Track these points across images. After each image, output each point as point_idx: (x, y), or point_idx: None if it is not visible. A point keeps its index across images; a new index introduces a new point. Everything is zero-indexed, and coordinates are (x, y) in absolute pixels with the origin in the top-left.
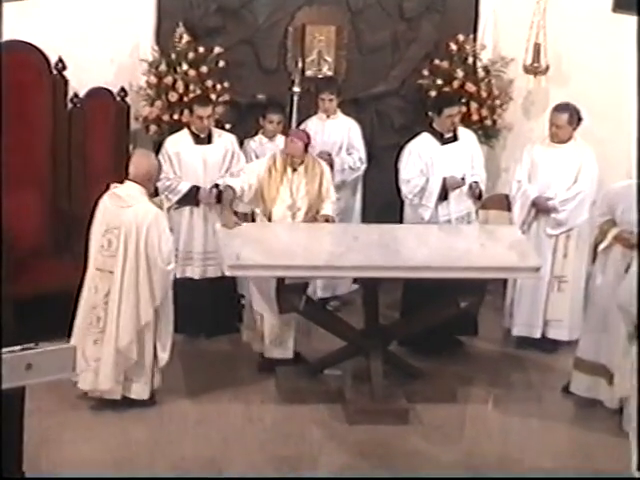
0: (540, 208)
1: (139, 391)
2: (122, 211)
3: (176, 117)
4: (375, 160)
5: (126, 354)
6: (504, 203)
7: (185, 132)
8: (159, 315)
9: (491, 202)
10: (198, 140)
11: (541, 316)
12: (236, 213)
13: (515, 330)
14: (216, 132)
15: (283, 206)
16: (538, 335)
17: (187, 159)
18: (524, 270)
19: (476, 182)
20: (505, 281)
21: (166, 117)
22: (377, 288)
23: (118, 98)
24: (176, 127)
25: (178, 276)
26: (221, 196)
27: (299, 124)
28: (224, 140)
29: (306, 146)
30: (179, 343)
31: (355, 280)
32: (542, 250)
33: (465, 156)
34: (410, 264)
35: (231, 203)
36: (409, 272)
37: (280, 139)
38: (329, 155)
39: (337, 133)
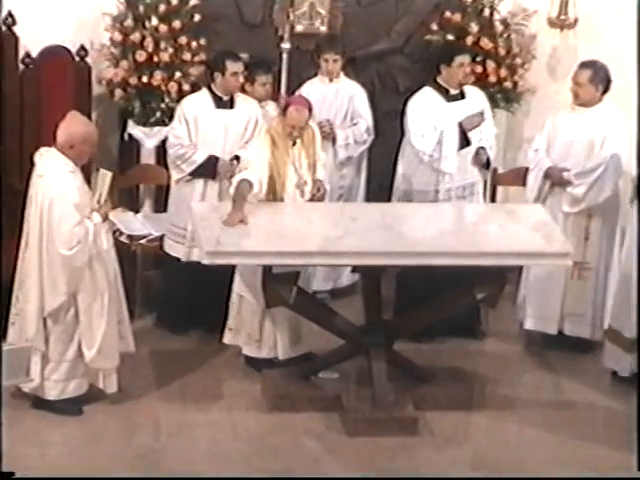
0: (554, 180)
1: (49, 391)
2: (36, 181)
3: (145, 80)
4: (377, 129)
5: (35, 346)
6: (522, 177)
7: (205, 93)
8: (81, 305)
9: (511, 177)
10: (220, 103)
11: (558, 309)
12: None
13: (527, 323)
14: (240, 96)
15: (292, 186)
16: (554, 331)
17: (206, 124)
18: (551, 256)
19: (483, 148)
20: (520, 268)
21: (133, 80)
22: (379, 277)
23: (77, 58)
24: (145, 92)
25: (184, 260)
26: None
27: (293, 91)
28: (248, 105)
29: (310, 111)
30: (155, 339)
31: (354, 269)
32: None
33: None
34: (417, 249)
35: (244, 200)
36: (416, 258)
37: (271, 105)
38: (330, 124)
39: (341, 99)
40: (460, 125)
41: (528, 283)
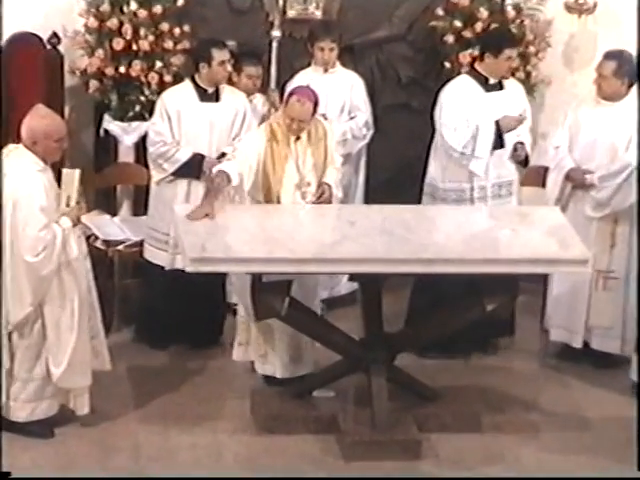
0: (576, 183)
1: (17, 412)
2: (4, 179)
3: (123, 70)
4: (376, 123)
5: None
6: (541, 178)
7: (188, 85)
8: (48, 318)
9: (527, 176)
10: (205, 96)
11: (583, 321)
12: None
13: (553, 334)
14: (226, 88)
15: (291, 186)
16: (578, 344)
17: (190, 119)
18: (567, 263)
19: (522, 143)
20: (545, 277)
21: (110, 70)
22: (380, 287)
23: (49, 46)
24: (123, 83)
25: (167, 268)
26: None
27: (284, 82)
28: (235, 98)
29: (315, 106)
30: (133, 355)
31: (351, 277)
32: (582, 237)
33: (513, 109)
34: (422, 256)
35: (218, 194)
36: (420, 266)
37: (259, 99)
38: (325, 119)
39: (337, 91)
40: (497, 124)
41: (552, 292)
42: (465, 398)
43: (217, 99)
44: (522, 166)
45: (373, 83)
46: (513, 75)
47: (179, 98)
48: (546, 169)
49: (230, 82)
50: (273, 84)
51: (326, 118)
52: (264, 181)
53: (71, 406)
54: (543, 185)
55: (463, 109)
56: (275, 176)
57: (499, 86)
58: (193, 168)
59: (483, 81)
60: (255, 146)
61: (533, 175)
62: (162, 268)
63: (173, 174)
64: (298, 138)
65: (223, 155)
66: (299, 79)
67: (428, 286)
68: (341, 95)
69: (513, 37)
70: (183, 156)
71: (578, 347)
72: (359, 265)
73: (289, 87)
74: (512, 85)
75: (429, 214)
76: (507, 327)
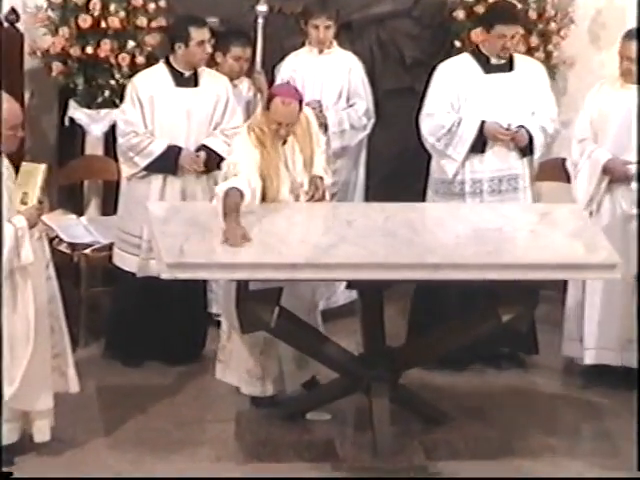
0: (615, 177)
1: None
2: None
3: (90, 50)
4: (377, 111)
5: None
6: (562, 171)
7: (162, 68)
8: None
9: (544, 170)
10: (181, 80)
11: (617, 335)
12: None
13: (588, 357)
14: (205, 71)
15: (285, 190)
16: (617, 362)
17: (164, 107)
18: (593, 268)
19: (522, 127)
20: (565, 284)
21: (76, 51)
22: (381, 296)
23: (6, 24)
24: (90, 65)
25: (139, 275)
26: (209, 163)
27: (273, 65)
28: (216, 83)
29: (300, 104)
30: (103, 373)
31: (349, 284)
32: (620, 238)
33: (520, 95)
34: (429, 260)
35: (237, 211)
36: (427, 272)
37: (245, 84)
38: (320, 106)
39: (334, 75)
40: (482, 125)
41: (577, 305)
42: (479, 421)
43: (195, 84)
44: (522, 155)
45: (373, 65)
46: (530, 54)
47: (152, 83)
48: (563, 160)
49: (213, 64)
50: (259, 66)
51: (321, 105)
52: (262, 192)
53: (32, 431)
54: (566, 180)
55: (448, 93)
56: (273, 185)
57: (509, 67)
58: (168, 162)
59: (484, 61)
60: (253, 157)
61: (551, 168)
62: (134, 275)
63: (146, 169)
64: (285, 141)
65: (203, 148)
66: (290, 61)
67: (430, 294)
68: (338, 79)
69: (512, 13)
70: (157, 148)
71: (614, 365)
72: (358, 271)
73: (279, 71)
74: (527, 67)
75: (437, 213)
76: (525, 341)
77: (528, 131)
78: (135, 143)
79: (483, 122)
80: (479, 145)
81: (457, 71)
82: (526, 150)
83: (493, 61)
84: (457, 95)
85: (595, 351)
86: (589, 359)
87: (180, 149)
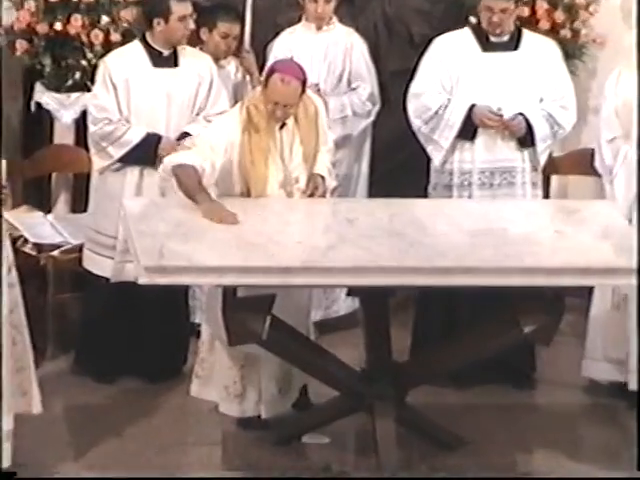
0: None
1: None
2: None
3: (59, 27)
4: (383, 96)
5: None
6: (587, 163)
7: (137, 46)
8: None
9: (570, 162)
10: (159, 60)
11: None
12: None
13: (632, 381)
14: (187, 49)
15: (274, 184)
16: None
17: (141, 90)
18: (624, 274)
19: (522, 114)
20: (590, 291)
21: (43, 27)
22: (386, 304)
23: None
24: (59, 43)
25: (113, 280)
26: None
27: (266, 43)
28: (198, 62)
29: (303, 84)
30: (72, 390)
31: (350, 292)
32: None
33: (525, 78)
34: (439, 264)
35: (204, 188)
36: (438, 277)
37: (232, 65)
38: (318, 90)
39: (334, 54)
40: (471, 110)
41: (603, 316)
42: (495, 445)
43: (175, 63)
44: (521, 145)
45: (378, 43)
46: (555, 32)
47: (127, 63)
48: (592, 151)
49: (197, 42)
50: (247, 44)
51: (319, 89)
52: (242, 181)
53: None
54: (595, 173)
55: (440, 71)
56: (257, 172)
57: (514, 45)
58: (147, 152)
59: (484, 38)
60: (225, 135)
61: (578, 160)
62: (108, 280)
63: (121, 160)
64: (283, 125)
65: (185, 135)
66: (284, 39)
67: (435, 302)
68: (339, 60)
69: None
70: (134, 137)
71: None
72: (360, 276)
73: (272, 50)
74: (536, 46)
75: (449, 210)
76: (522, 355)
77: (527, 120)
78: (109, 131)
79: (473, 106)
80: (469, 131)
81: (452, 47)
82: (526, 141)
83: (493, 39)
84: (449, 74)
85: (614, 366)
86: (633, 384)
87: (160, 137)
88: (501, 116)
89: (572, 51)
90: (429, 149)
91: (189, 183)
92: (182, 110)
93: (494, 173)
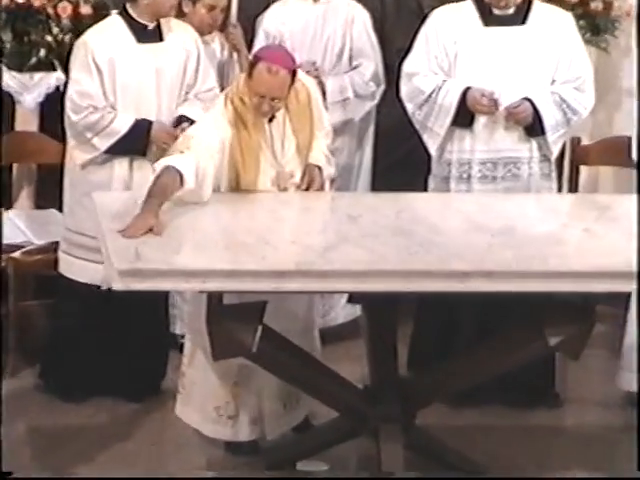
0: None
1: None
2: None
3: (38, 3)
4: (388, 75)
5: None
6: (625, 153)
7: (118, 21)
8: None
9: (600, 151)
10: (143, 35)
11: None
12: None
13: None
14: (172, 21)
15: (266, 181)
16: None
17: (128, 69)
18: None
19: (529, 99)
20: (626, 298)
21: None
22: (393, 312)
23: None
24: (21, 16)
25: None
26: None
27: (255, 16)
28: (184, 36)
29: (293, 74)
30: (37, 409)
31: (352, 298)
32: None
33: (533, 56)
34: (452, 267)
35: (165, 198)
36: (452, 281)
37: (217, 41)
38: (316, 69)
39: (333, 29)
40: (464, 95)
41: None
42: (517, 470)
43: (160, 38)
44: (529, 134)
45: (384, 15)
46: (583, 5)
47: (109, 41)
48: (629, 139)
49: (179, 15)
50: (234, 18)
51: (317, 68)
52: (232, 180)
53: None
54: (631, 164)
55: (435, 48)
56: (249, 170)
57: (521, 19)
58: (137, 140)
59: (486, 12)
60: (219, 133)
61: (610, 149)
62: (79, 284)
63: (108, 151)
64: (272, 117)
65: (181, 120)
66: (276, 11)
67: (438, 310)
68: (338, 35)
69: None
70: (123, 126)
71: None
72: (363, 280)
73: (261, 23)
74: (547, 19)
75: (464, 206)
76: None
77: (535, 105)
78: (94, 121)
79: (468, 88)
80: (466, 118)
81: (450, 21)
82: (534, 129)
83: (496, 11)
84: (445, 51)
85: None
86: (633, 384)
87: (150, 123)
88: (495, 100)
89: (603, 25)
90: (424, 137)
91: (158, 184)
92: (172, 89)
93: (497, 164)
